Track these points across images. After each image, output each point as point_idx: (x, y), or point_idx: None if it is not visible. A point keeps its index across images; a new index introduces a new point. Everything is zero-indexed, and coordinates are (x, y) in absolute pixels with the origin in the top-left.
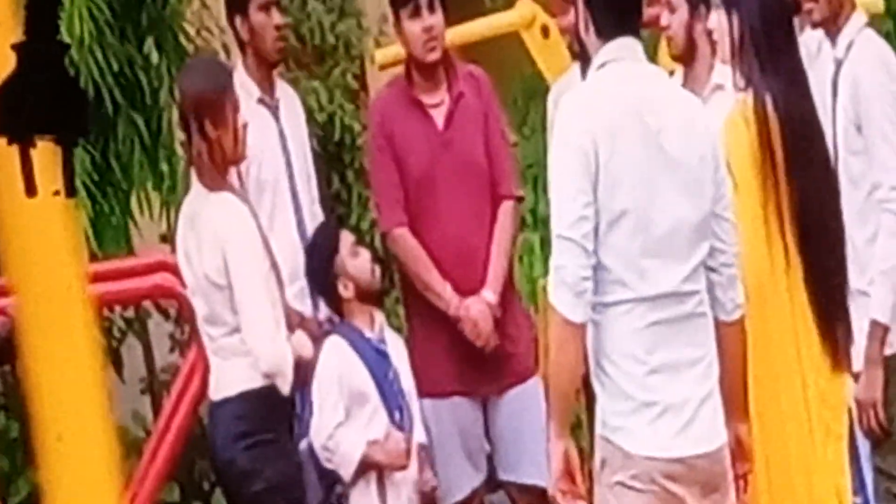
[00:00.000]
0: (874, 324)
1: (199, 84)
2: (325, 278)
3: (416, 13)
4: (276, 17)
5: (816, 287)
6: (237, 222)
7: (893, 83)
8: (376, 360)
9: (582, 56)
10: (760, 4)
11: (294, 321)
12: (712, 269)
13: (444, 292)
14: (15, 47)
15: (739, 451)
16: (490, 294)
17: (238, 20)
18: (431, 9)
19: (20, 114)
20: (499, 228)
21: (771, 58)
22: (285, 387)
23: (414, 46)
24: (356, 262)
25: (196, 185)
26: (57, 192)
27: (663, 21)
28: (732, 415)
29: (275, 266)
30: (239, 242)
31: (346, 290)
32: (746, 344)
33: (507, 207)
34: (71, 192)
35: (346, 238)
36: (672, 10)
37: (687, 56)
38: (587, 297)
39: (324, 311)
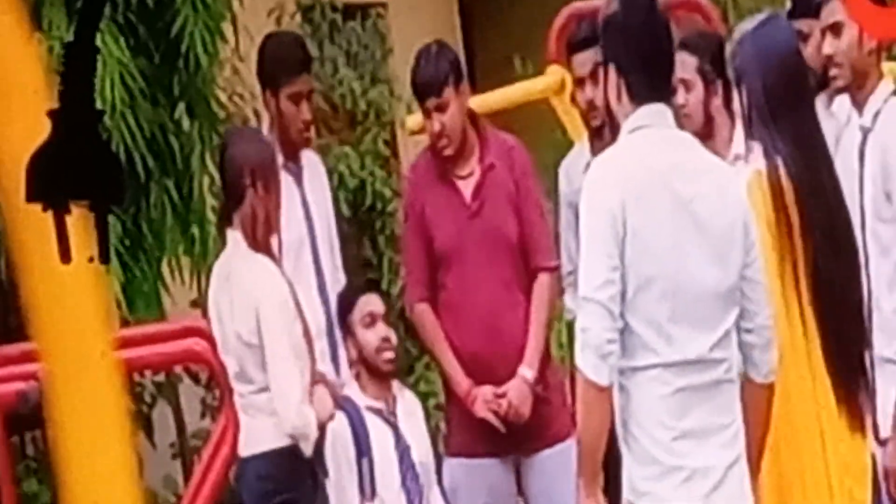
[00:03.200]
0: None
1: (252, 149)
2: (343, 337)
3: (427, 114)
4: (305, 112)
5: (835, 352)
6: (272, 286)
7: None
8: (382, 435)
9: (610, 124)
10: (766, 73)
11: (317, 378)
12: (749, 331)
13: (457, 377)
14: (50, 114)
15: None
16: (528, 371)
17: (268, 95)
18: (441, 109)
19: (55, 180)
20: (535, 302)
21: (782, 124)
22: (308, 449)
23: (430, 139)
24: (367, 333)
25: (237, 244)
26: (91, 259)
27: (679, 100)
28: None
29: (307, 333)
30: (272, 306)
31: (350, 354)
32: (772, 408)
33: (542, 280)
34: (105, 258)
35: (367, 305)
36: (688, 89)
37: (705, 132)
38: (612, 360)
39: (344, 373)
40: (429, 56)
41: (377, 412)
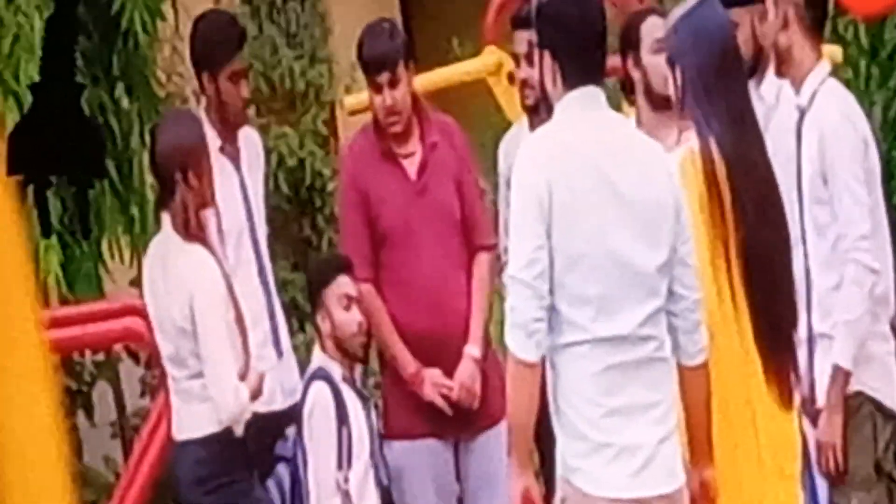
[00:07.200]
0: (836, 368)
1: (180, 136)
2: (312, 306)
3: (377, 90)
4: (244, 90)
5: (765, 330)
6: (206, 276)
7: (857, 135)
8: (355, 406)
9: (545, 107)
10: (700, 54)
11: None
12: (674, 315)
13: (404, 359)
14: (32, 88)
15: (704, 495)
16: (475, 349)
17: (206, 78)
18: (394, 84)
19: (36, 154)
20: (476, 280)
21: (715, 103)
22: (239, 429)
23: (378, 115)
24: (344, 314)
25: (170, 229)
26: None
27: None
28: (698, 459)
29: (240, 320)
30: (207, 296)
31: (323, 324)
32: (710, 388)
33: (483, 259)
34: (86, 233)
35: (344, 286)
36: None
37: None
38: (539, 337)
39: (286, 357)
40: (382, 31)
41: (350, 383)
